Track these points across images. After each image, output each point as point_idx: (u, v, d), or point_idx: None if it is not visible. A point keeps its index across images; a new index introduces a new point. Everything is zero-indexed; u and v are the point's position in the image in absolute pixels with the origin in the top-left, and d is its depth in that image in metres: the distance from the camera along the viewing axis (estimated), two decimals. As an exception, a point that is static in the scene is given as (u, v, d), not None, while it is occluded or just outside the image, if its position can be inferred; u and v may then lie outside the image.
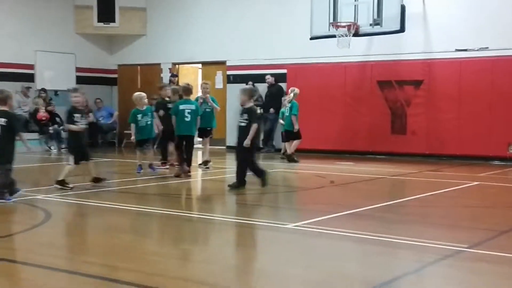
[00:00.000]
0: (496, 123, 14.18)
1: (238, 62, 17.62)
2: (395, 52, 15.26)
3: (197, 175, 11.69)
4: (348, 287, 4.57)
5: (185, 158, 10.99)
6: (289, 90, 14.48)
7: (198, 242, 6.42)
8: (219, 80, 18.26)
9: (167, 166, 11.93)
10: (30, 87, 17.74)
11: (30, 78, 17.94)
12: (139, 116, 11.38)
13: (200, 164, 12.57)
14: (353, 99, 15.86)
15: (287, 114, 14.25)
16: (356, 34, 14.22)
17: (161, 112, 11.90)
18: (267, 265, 5.21)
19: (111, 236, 6.41)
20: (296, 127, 14.14)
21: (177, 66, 19.15)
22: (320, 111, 16.18)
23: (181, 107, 11.08)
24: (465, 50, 14.52)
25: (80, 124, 9.44)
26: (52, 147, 17.09)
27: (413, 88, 15.20)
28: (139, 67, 19.73)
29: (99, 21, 18.94)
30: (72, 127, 9.44)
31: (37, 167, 13.74)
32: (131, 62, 19.72)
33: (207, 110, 12.30)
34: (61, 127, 17.49)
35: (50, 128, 17.16)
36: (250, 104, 9.60)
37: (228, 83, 17.98)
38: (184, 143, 10.97)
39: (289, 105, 14.13)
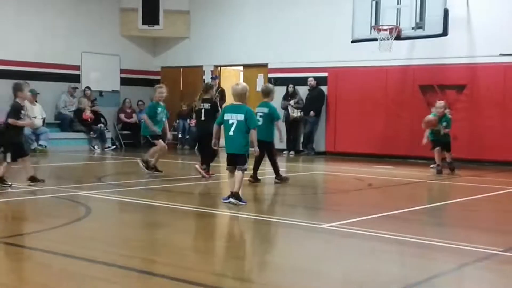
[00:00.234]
0: (541, 129, 13.92)
1: (279, 65, 17.70)
2: (437, 56, 15.11)
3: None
4: (383, 286, 4.58)
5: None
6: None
7: (233, 239, 6.52)
8: (260, 83, 18.34)
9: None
10: (77, 88, 18.14)
11: (76, 79, 18.35)
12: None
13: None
14: (395, 103, 15.77)
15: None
16: (398, 38, 14.13)
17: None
18: (301, 263, 5.26)
19: (148, 231, 6.56)
20: None
21: (219, 68, 19.33)
22: (361, 115, 16.13)
23: (257, 110, 10.02)
24: (510, 54, 14.28)
25: (24, 121, 9.34)
26: (95, 147, 17.45)
27: (456, 93, 15.02)
28: (181, 69, 19.99)
29: (143, 23, 19.26)
30: (20, 122, 9.20)
31: (80, 165, 14.07)
32: (174, 64, 19.99)
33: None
34: (104, 127, 17.88)
35: (95, 127, 17.54)
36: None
37: (269, 85, 18.03)
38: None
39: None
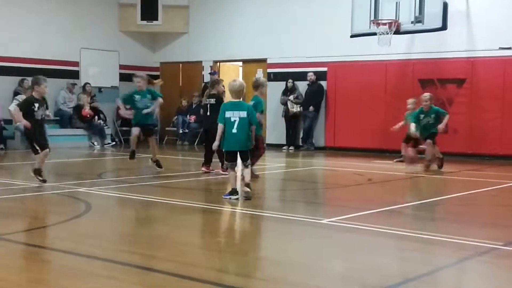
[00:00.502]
0: (541, 123, 13.92)
1: (278, 60, 17.68)
2: (437, 50, 15.10)
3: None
4: (383, 280, 4.57)
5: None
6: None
7: (233, 234, 6.52)
8: (259, 78, 18.34)
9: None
10: (76, 84, 18.12)
11: (75, 75, 18.33)
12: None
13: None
14: (394, 97, 15.74)
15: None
16: (397, 32, 14.13)
17: None
18: (301, 258, 5.25)
19: (148, 227, 6.55)
20: None
21: (218, 63, 19.31)
22: (361, 109, 16.12)
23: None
24: (509, 48, 14.28)
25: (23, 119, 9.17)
26: (95, 143, 17.45)
27: (456, 87, 15.02)
28: (181, 64, 19.97)
29: (142, 19, 19.24)
30: (16, 118, 9.38)
31: (80, 161, 14.07)
32: (173, 60, 19.97)
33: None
34: (103, 123, 17.88)
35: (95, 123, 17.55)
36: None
37: (268, 80, 17.98)
38: None
39: None
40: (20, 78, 16.68)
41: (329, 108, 16.83)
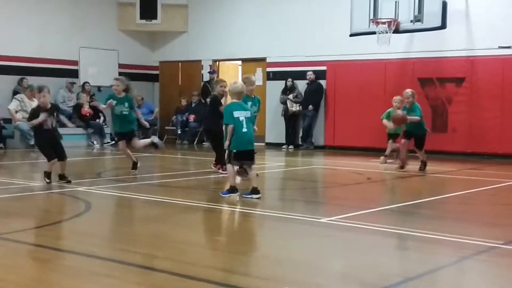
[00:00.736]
0: (540, 122, 13.92)
1: (277, 59, 17.68)
2: (436, 49, 15.10)
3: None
4: (383, 279, 4.58)
5: None
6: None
7: (233, 233, 6.52)
8: (259, 77, 18.32)
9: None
10: (75, 83, 18.12)
11: (74, 74, 18.33)
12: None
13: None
14: (394, 96, 15.70)
15: None
16: (397, 31, 14.14)
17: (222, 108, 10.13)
18: (300, 257, 5.26)
19: (148, 226, 6.55)
20: None
21: (217, 62, 19.30)
22: (360, 108, 16.12)
23: None
24: (509, 47, 14.28)
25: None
26: (94, 142, 17.44)
27: (455, 86, 15.02)
28: (180, 63, 19.97)
29: (141, 18, 19.23)
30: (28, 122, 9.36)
31: (80, 161, 14.05)
32: (172, 59, 19.97)
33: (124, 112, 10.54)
34: (103, 123, 17.87)
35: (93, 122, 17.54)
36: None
37: (267, 80, 18.05)
38: None
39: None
40: (19, 77, 16.68)
41: (328, 107, 16.83)
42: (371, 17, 14.36)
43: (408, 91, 11.70)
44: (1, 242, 5.63)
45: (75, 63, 18.40)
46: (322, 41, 16.72)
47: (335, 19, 16.19)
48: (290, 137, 17.26)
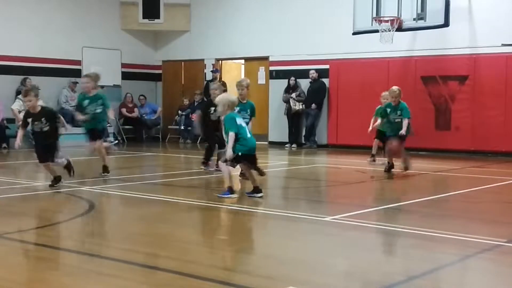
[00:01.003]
0: (543, 119, 13.89)
1: (280, 57, 17.67)
2: (439, 47, 15.07)
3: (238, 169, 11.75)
4: (386, 278, 4.57)
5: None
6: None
7: (236, 232, 6.52)
8: (261, 76, 18.35)
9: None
10: (77, 82, 18.11)
11: (77, 73, 18.32)
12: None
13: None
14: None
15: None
16: (400, 29, 14.11)
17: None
18: (304, 255, 5.25)
19: (152, 225, 6.55)
20: None
21: (220, 61, 19.30)
22: (363, 107, 16.05)
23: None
24: (512, 45, 14.26)
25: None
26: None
27: (458, 84, 14.99)
28: (183, 63, 19.97)
29: (144, 17, 19.23)
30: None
31: (83, 160, 14.05)
32: (175, 58, 19.96)
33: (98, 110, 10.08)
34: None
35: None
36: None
37: (270, 78, 18.04)
38: None
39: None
40: (22, 77, 16.69)
41: (331, 105, 16.81)
42: (374, 15, 14.34)
43: (395, 89, 10.86)
44: (5, 242, 5.64)
45: (78, 62, 18.40)
46: (325, 39, 16.69)
47: (338, 17, 16.16)
48: (293, 135, 17.25)
